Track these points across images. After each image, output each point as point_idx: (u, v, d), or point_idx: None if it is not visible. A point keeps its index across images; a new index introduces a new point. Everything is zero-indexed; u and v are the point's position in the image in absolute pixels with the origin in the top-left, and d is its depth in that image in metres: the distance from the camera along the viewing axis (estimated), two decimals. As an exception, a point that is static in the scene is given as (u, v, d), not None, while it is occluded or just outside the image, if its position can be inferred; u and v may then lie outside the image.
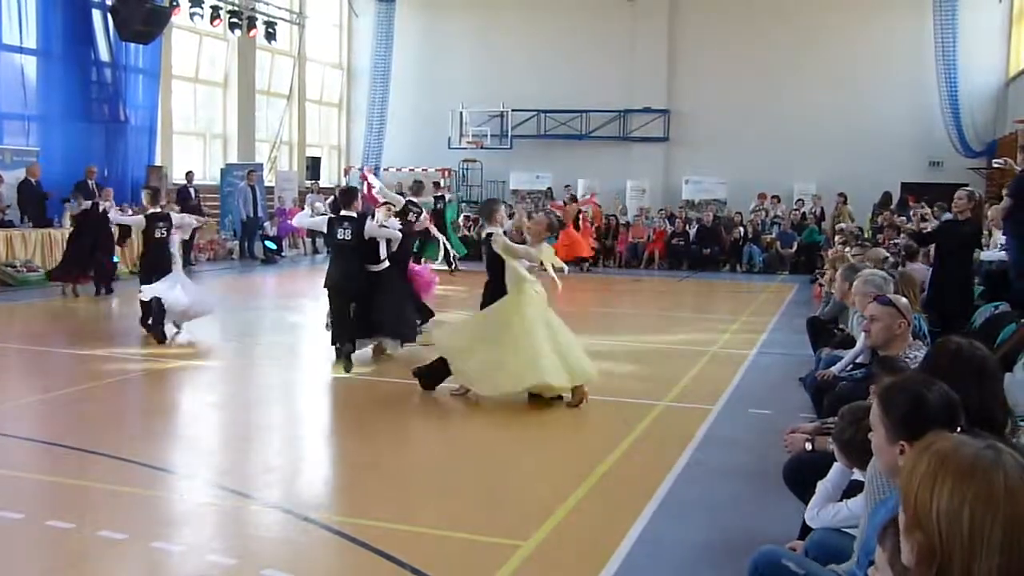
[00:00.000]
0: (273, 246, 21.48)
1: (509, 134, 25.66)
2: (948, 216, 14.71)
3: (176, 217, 11.05)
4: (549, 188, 25.07)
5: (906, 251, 10.79)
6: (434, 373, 8.18)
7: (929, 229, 10.99)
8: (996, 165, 12.32)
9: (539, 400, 7.71)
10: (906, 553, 1.75)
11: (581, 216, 20.78)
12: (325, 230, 9.64)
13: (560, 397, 7.77)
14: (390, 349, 9.86)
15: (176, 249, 10.96)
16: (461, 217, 20.93)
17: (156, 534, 4.74)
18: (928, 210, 13.72)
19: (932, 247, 10.01)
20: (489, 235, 8.04)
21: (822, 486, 3.69)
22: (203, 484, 5.71)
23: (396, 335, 9.75)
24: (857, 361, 6.24)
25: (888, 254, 9.73)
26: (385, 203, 10.36)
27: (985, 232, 11.42)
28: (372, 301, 9.36)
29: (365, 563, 4.49)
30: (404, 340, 9.82)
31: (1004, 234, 10.28)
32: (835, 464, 3.70)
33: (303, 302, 15.51)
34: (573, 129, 25.75)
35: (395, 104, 27.04)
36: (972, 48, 22.70)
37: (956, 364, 3.29)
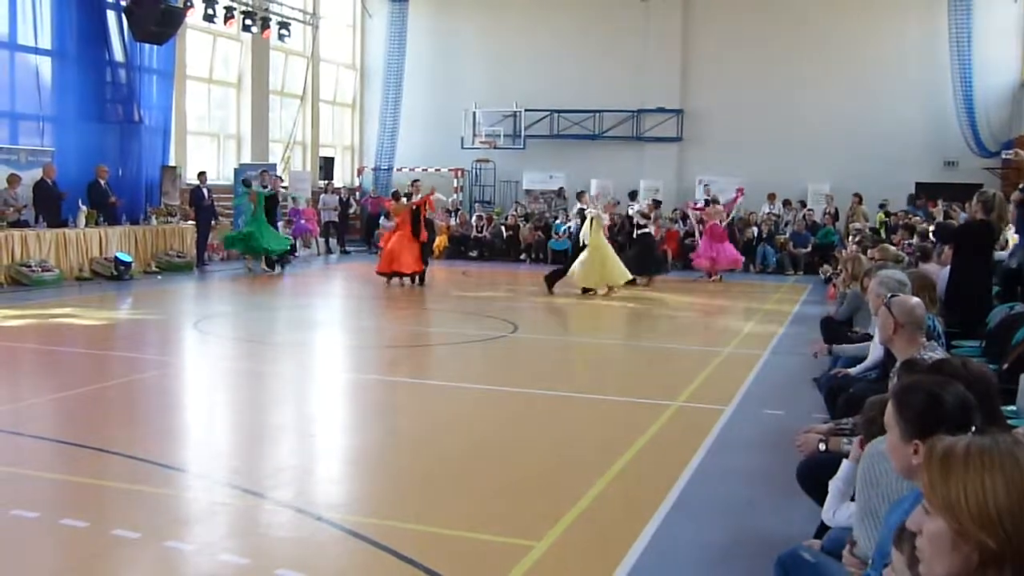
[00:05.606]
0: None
1: (522, 134, 25.63)
2: (964, 217, 14.63)
3: None
4: (561, 188, 25.07)
5: (921, 252, 10.70)
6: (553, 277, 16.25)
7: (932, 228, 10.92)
8: (1005, 157, 12.25)
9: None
10: (951, 561, 1.70)
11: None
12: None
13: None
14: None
15: None
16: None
17: (169, 533, 4.75)
18: (937, 208, 13.63)
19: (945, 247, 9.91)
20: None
21: (833, 485, 3.69)
22: (216, 483, 5.72)
23: (644, 272, 17.49)
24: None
25: (904, 255, 9.66)
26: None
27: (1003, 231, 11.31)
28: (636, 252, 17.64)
29: (378, 563, 4.49)
30: (650, 275, 17.83)
31: (1017, 233, 10.21)
32: (844, 462, 3.69)
33: (315, 301, 15.55)
34: (586, 129, 25.71)
35: (408, 104, 27.05)
36: (987, 48, 22.57)
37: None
